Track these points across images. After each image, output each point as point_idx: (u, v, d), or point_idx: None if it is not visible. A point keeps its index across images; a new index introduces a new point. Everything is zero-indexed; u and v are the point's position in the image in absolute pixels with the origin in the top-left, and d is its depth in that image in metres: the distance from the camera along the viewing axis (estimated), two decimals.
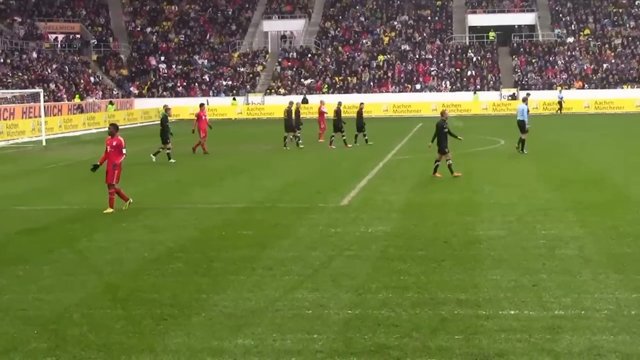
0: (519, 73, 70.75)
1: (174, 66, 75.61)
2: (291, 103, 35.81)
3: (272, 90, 71.57)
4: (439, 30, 77.63)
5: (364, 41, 76.69)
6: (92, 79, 71.02)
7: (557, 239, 14.11)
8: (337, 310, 10.05)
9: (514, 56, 73.23)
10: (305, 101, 63.11)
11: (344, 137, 34.65)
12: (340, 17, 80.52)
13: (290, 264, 12.57)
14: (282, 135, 34.78)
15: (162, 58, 76.63)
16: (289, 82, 72.42)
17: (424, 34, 77.10)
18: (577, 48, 72.62)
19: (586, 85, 68.18)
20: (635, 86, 67.21)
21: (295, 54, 76.18)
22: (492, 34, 75.39)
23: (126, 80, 74.31)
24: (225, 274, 12.06)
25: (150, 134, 46.72)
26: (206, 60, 75.99)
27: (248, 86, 72.55)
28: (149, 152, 30.65)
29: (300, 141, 34.58)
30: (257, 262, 12.72)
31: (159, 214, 17.94)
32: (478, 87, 69.39)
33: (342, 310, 10.07)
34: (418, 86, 70.50)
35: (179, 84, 73.36)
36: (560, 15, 77.38)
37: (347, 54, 74.96)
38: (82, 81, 69.02)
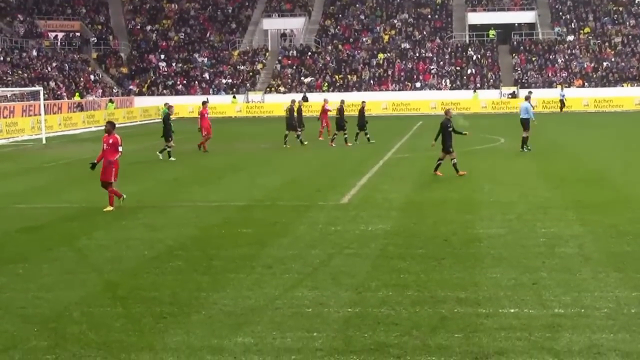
0: (519, 71, 70.73)
1: (173, 64, 75.60)
2: (293, 102, 35.83)
3: (272, 89, 71.56)
4: (439, 29, 77.63)
5: (364, 39, 76.67)
6: (92, 77, 71.02)
7: (557, 237, 14.11)
8: (337, 309, 10.04)
9: (514, 54, 73.22)
10: (305, 99, 63.11)
11: (346, 136, 34.65)
12: (340, 15, 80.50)
13: (290, 262, 12.57)
14: (283, 134, 34.79)
15: (162, 56, 76.63)
16: (289, 81, 72.40)
17: (424, 32, 77.08)
18: (577, 46, 72.60)
19: (586, 84, 68.16)
20: (635, 84, 67.19)
21: (295, 52, 76.16)
22: (492, 32, 75.37)
23: (126, 78, 74.29)
24: (225, 272, 12.06)
25: (150, 132, 46.72)
26: (206, 59, 75.97)
27: (248, 84, 72.55)
28: (149, 150, 30.68)
29: (304, 139, 34.66)
30: (257, 261, 12.72)
31: (159, 212, 17.94)
32: (478, 85, 69.38)
33: (342, 308, 10.07)
34: (418, 84, 70.50)
35: (178, 82, 73.35)
36: (560, 13, 77.37)
37: (347, 52, 74.95)
38: (82, 79, 69.01)
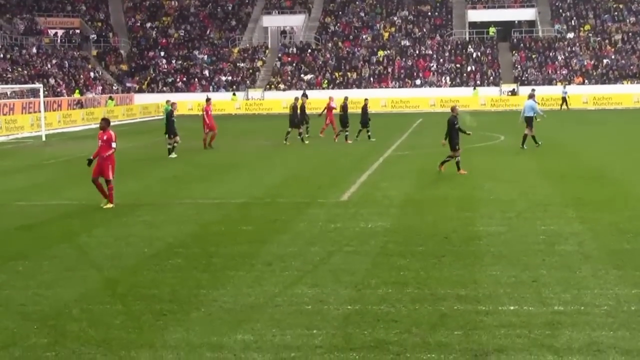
0: (519, 69, 70.71)
1: (173, 61, 75.57)
2: (297, 99, 35.87)
3: (272, 86, 71.55)
4: (439, 26, 77.60)
5: (364, 36, 76.65)
6: (91, 74, 70.99)
7: (556, 235, 14.11)
8: (337, 306, 10.05)
9: (514, 52, 73.20)
10: (305, 96, 63.04)
11: (347, 133, 34.67)
12: (340, 12, 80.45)
13: (289, 259, 12.57)
14: (282, 130, 34.79)
15: (162, 53, 76.60)
16: (289, 78, 72.38)
17: (424, 30, 77.05)
18: (577, 43, 72.57)
19: (586, 81, 68.15)
20: (635, 82, 67.17)
21: (295, 49, 76.13)
22: (492, 30, 75.34)
23: (126, 75, 74.26)
24: (225, 269, 12.06)
25: (150, 130, 46.74)
26: (206, 56, 75.95)
27: (248, 81, 72.53)
28: (149, 147, 30.69)
29: (307, 135, 34.68)
30: (257, 258, 12.72)
31: (159, 209, 17.94)
32: (478, 82, 69.35)
33: (342, 305, 10.07)
34: (418, 82, 70.48)
35: (178, 80, 73.33)
36: (561, 10, 77.33)
37: (347, 49, 74.92)
38: (81, 76, 68.99)
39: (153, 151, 30.73)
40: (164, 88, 72.02)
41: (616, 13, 75.85)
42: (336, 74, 72.02)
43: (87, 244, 14.19)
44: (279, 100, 66.48)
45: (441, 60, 72.86)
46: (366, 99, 36.92)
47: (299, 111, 34.64)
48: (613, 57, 70.33)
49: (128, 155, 30.21)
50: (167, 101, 32.80)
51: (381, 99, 65.85)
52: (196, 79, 73.20)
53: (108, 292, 10.96)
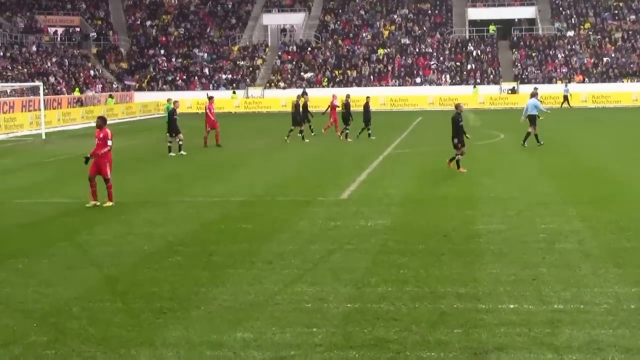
0: (519, 67, 70.67)
1: (173, 59, 75.54)
2: (299, 97, 35.86)
3: (272, 84, 71.53)
4: (439, 24, 77.56)
5: (364, 35, 76.61)
6: (91, 72, 70.97)
7: (557, 233, 14.11)
8: (337, 304, 10.05)
9: (514, 50, 73.16)
10: (305, 94, 63.03)
11: (347, 131, 34.66)
12: (340, 10, 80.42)
13: (289, 257, 12.57)
14: (282, 128, 34.81)
15: (162, 51, 76.56)
16: (289, 76, 72.35)
17: (424, 28, 77.02)
18: (577, 42, 72.53)
19: (586, 79, 68.13)
20: (635, 80, 67.14)
21: (295, 47, 76.11)
22: (492, 28, 75.31)
23: (126, 73, 74.25)
24: (225, 267, 12.06)
25: (150, 127, 46.76)
26: (206, 54, 75.91)
27: (248, 80, 72.51)
28: (148, 145, 30.67)
29: (312, 134, 34.70)
30: (257, 256, 12.72)
31: (159, 207, 17.94)
32: (478, 80, 69.32)
33: (342, 304, 10.07)
34: (418, 80, 70.46)
35: (178, 78, 73.30)
36: (561, 8, 77.29)
37: (347, 47, 74.89)
38: (81, 75, 68.96)
39: (153, 149, 30.73)
40: (164, 86, 71.99)
41: (616, 11, 75.80)
42: (336, 72, 72.00)
43: (87, 242, 14.19)
44: (278, 99, 66.51)
45: (441, 58, 72.83)
46: (368, 97, 36.88)
47: (301, 109, 34.65)
48: (613, 55, 70.30)
49: (128, 153, 30.23)
50: (169, 99, 32.73)
51: (380, 96, 65.82)
52: (196, 77, 73.16)
53: (108, 290, 10.96)
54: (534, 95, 31.63)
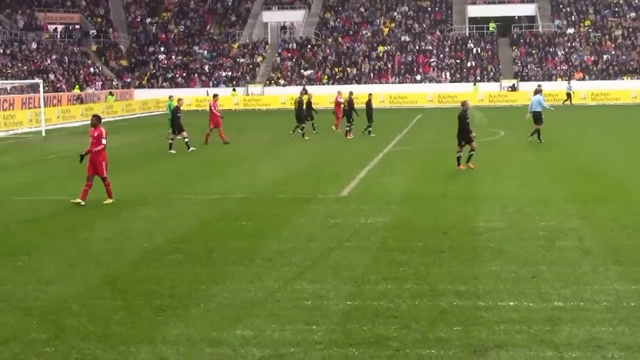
0: (519, 64, 70.65)
1: (173, 57, 75.51)
2: (302, 94, 35.84)
3: (272, 81, 71.51)
4: (439, 21, 77.51)
5: (364, 32, 76.58)
6: (91, 69, 70.94)
7: (557, 230, 14.11)
8: (337, 302, 10.04)
9: (514, 47, 73.13)
10: (304, 92, 63.00)
11: (347, 129, 34.66)
12: (340, 7, 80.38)
13: (289, 255, 12.57)
14: (284, 126, 34.79)
15: (162, 49, 76.52)
16: (289, 73, 72.33)
17: (424, 25, 76.98)
18: (578, 39, 72.50)
19: (586, 77, 68.10)
20: (636, 77, 67.12)
21: (295, 44, 76.07)
22: (492, 25, 75.27)
23: (126, 71, 74.21)
24: (225, 264, 12.05)
25: (150, 125, 46.75)
26: (206, 51, 75.88)
27: (248, 77, 72.47)
28: (149, 142, 30.66)
29: (315, 132, 34.68)
30: (257, 253, 12.71)
31: (159, 204, 17.93)
32: (478, 78, 69.30)
33: (342, 301, 10.07)
34: (418, 77, 70.43)
35: (178, 75, 73.27)
36: (561, 6, 77.24)
37: (347, 44, 74.86)
38: (81, 72, 68.94)
39: (153, 146, 30.71)
40: (164, 83, 71.96)
41: (616, 8, 75.77)
42: (336, 69, 71.98)
43: (87, 239, 14.19)
44: (278, 96, 66.49)
45: (441, 55, 72.80)
46: (370, 94, 36.92)
47: (304, 106, 34.65)
48: (613, 52, 70.27)
49: (128, 151, 30.24)
50: (170, 97, 32.66)
51: (379, 94, 65.74)
52: (196, 75, 73.14)
53: (108, 288, 10.96)
54: (538, 92, 31.73)
